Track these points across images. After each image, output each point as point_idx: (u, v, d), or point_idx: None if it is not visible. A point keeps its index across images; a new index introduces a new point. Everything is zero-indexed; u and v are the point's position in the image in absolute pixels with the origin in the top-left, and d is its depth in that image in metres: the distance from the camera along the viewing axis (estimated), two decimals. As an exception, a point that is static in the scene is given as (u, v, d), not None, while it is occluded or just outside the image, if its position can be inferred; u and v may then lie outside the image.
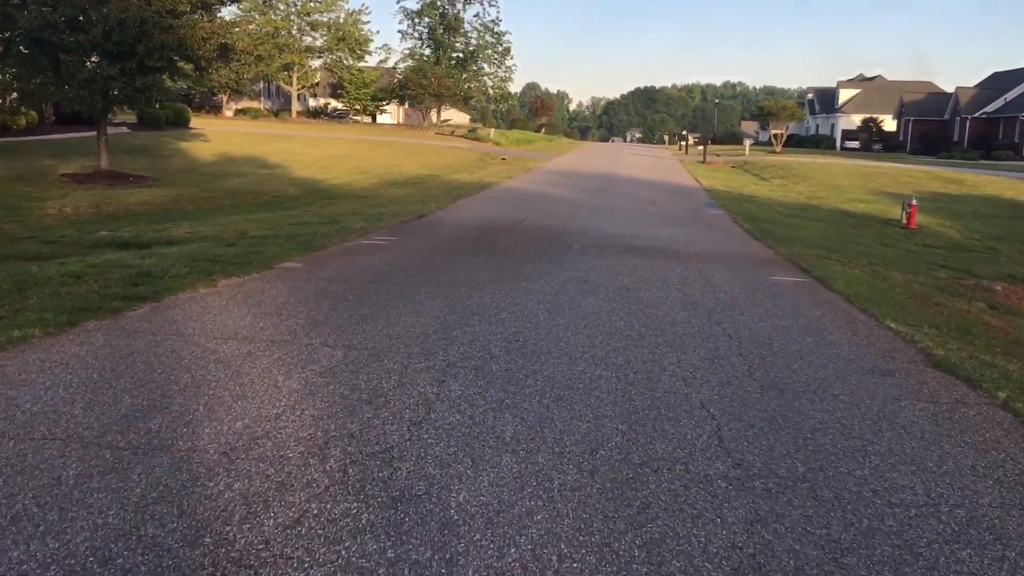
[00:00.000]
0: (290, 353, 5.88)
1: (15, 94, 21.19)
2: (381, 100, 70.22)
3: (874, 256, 15.08)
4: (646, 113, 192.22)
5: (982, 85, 69.03)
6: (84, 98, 20.48)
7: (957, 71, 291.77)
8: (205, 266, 9.24)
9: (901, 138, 74.24)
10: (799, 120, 64.28)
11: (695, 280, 10.29)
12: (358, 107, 70.47)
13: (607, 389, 5.39)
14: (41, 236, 15.45)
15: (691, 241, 14.52)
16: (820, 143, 74.24)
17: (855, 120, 77.98)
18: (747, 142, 69.01)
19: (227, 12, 23.33)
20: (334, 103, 75.63)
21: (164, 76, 22.12)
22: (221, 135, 41.53)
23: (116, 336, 6.12)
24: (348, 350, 6.04)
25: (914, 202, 21.74)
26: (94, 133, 39.73)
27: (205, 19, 21.20)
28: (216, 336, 6.26)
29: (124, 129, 40.49)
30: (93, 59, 20.16)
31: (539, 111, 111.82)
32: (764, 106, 62.20)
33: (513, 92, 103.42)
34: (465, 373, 5.57)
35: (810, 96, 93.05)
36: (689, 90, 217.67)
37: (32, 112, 34.88)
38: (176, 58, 21.83)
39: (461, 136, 58.02)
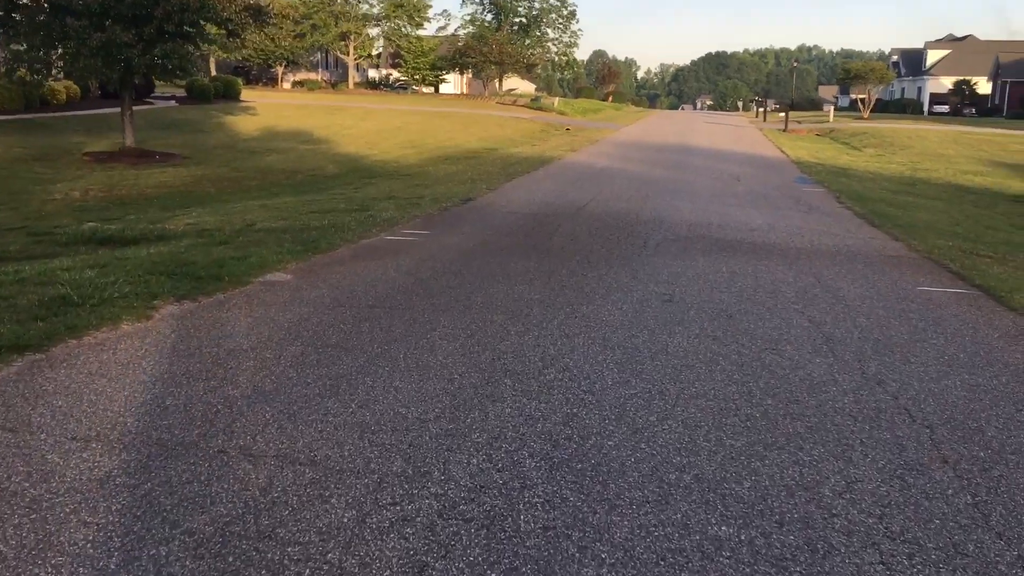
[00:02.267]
0: (169, 481, 3.42)
1: (23, 67, 19.04)
2: (441, 69, 67.60)
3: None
4: (717, 79, 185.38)
5: (1091, 42, 63.25)
6: (99, 69, 18.40)
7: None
8: (158, 283, 6.86)
9: (997, 101, 68.90)
10: (888, 82, 59.64)
11: (817, 294, 7.57)
12: (417, 77, 68.03)
13: (738, 587, 2.80)
14: (31, 227, 13.35)
15: (794, 230, 11.71)
16: (907, 108, 69.30)
17: (945, 83, 72.74)
18: (829, 108, 64.63)
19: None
20: (396, 74, 73.35)
21: (187, 43, 19.86)
22: (271, 108, 39.56)
23: (-92, 438, 3.75)
24: (280, 467, 3.56)
25: (1050, 176, 18.39)
26: (143, 107, 38.39)
27: (232, -23, 18.91)
28: (74, 434, 3.84)
29: (172, 103, 38.85)
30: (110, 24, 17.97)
31: (606, 79, 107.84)
32: (851, 68, 57.65)
33: (579, 59, 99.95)
34: (468, 538, 3.03)
35: (895, 58, 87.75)
36: (762, 55, 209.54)
37: (74, 85, 33.17)
38: (201, 22, 19.58)
39: (524, 105, 55.09)
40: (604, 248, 9.66)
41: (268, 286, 7.18)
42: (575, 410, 4.35)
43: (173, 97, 40.30)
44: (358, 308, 6.47)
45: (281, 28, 26.69)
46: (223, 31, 21.55)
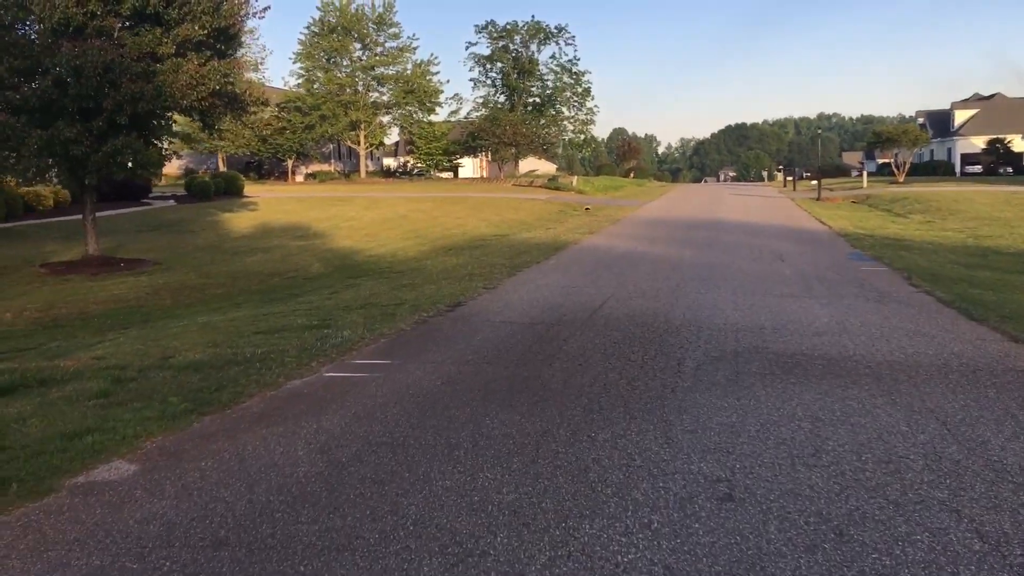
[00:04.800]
0: None
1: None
2: (454, 154, 66.02)
3: None
4: (738, 151, 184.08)
5: None
6: (41, 169, 16.23)
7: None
8: None
9: (1035, 158, 66.01)
10: (922, 144, 56.92)
11: (960, 461, 4.76)
12: (431, 163, 66.50)
13: None
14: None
15: (874, 332, 8.89)
16: (938, 170, 66.56)
17: (976, 143, 69.96)
18: (858, 174, 62.04)
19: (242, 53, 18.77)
20: (412, 160, 72.02)
21: (152, 136, 17.65)
22: (273, 202, 37.61)
23: None
24: None
25: None
26: (138, 208, 36.57)
27: (195, 61, 16.72)
28: None
29: (171, 202, 37.00)
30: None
31: (627, 155, 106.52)
32: (881, 132, 55.12)
33: (597, 137, 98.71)
34: None
35: (920, 120, 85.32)
36: (782, 124, 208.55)
37: (63, 189, 31.28)
38: (159, 111, 17.39)
39: (542, 186, 52.96)
40: (623, 378, 6.91)
41: (81, 496, 4.49)
42: None
43: (173, 196, 38.60)
44: (194, 549, 3.75)
45: (256, 114, 25.24)
46: (196, 122, 19.42)
